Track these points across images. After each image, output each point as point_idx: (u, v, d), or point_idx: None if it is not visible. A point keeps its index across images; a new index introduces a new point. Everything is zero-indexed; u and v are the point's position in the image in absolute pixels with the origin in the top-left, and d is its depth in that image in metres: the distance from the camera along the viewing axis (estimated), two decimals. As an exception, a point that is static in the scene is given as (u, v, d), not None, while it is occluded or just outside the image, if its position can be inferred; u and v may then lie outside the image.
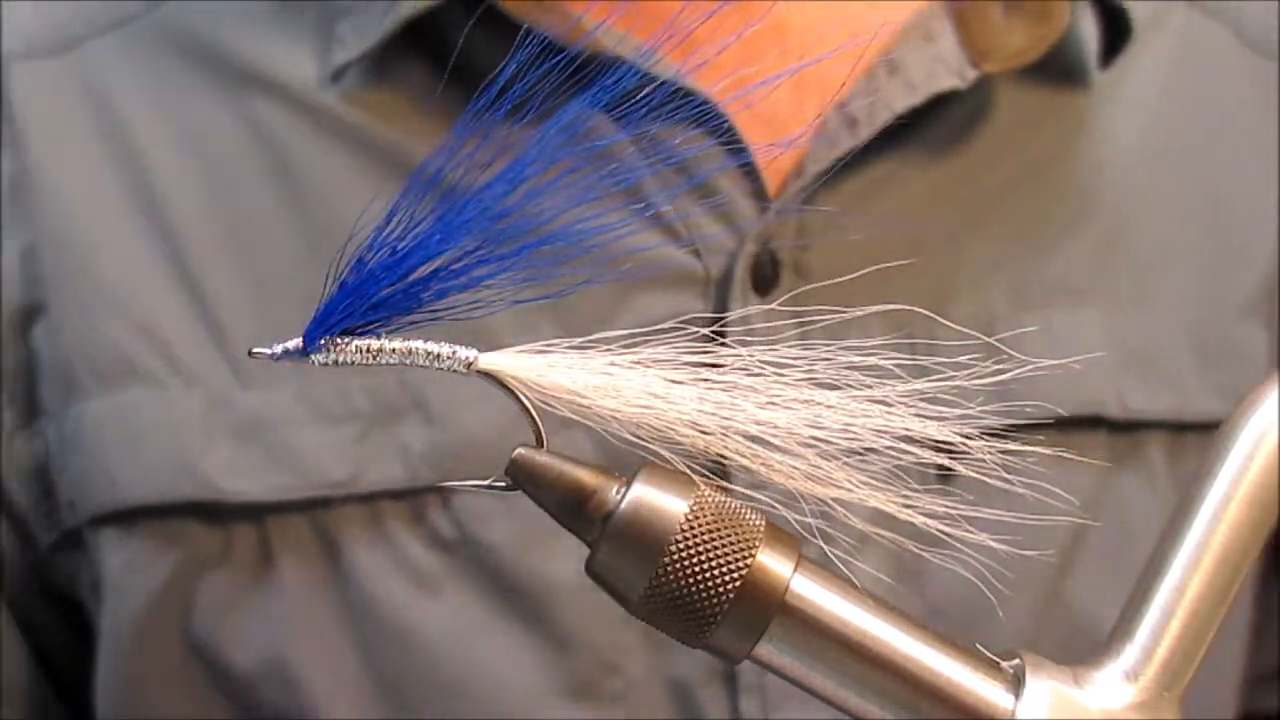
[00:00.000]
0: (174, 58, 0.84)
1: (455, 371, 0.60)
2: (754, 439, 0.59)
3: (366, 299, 0.58)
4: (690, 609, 0.58)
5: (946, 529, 0.58)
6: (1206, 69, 0.90)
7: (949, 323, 0.65)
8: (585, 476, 0.59)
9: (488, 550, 0.81)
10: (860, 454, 0.59)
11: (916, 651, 0.59)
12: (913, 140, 0.82)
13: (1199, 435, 0.87)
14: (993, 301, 0.83)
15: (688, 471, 0.59)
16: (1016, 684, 0.59)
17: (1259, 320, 0.90)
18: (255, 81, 0.83)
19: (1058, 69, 0.83)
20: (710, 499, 0.58)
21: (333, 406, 0.81)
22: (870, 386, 0.59)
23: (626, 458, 0.56)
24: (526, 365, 0.59)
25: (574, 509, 0.59)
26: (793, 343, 0.59)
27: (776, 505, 0.59)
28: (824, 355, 0.59)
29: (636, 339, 0.59)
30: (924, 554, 0.59)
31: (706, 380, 0.59)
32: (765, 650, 0.59)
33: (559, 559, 0.80)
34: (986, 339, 0.61)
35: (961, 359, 0.60)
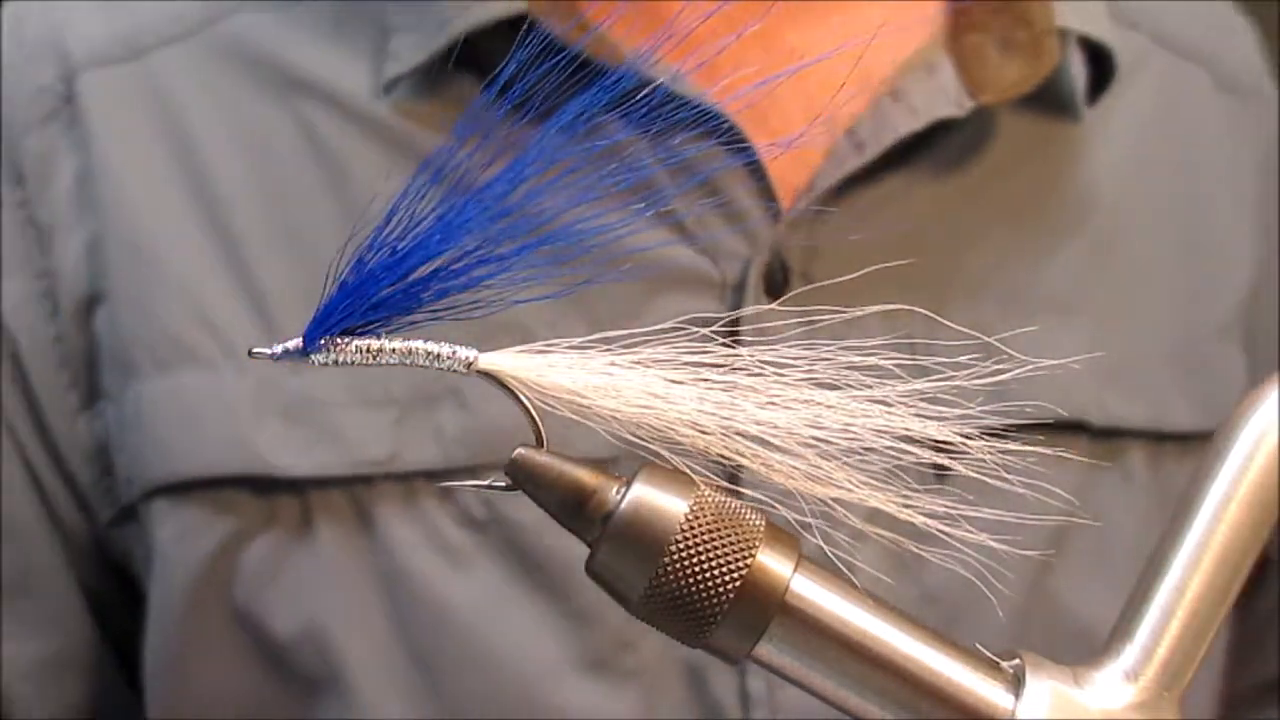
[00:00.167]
0: (235, 68, 0.89)
1: (455, 371, 0.60)
2: (754, 439, 0.59)
3: (366, 299, 0.59)
4: (690, 609, 0.58)
5: (947, 525, 0.59)
6: (1184, 108, 0.97)
7: (949, 323, 0.65)
8: (585, 476, 0.59)
9: (515, 529, 0.84)
10: (860, 454, 0.59)
11: (916, 651, 0.59)
12: (919, 162, 0.87)
13: (1177, 445, 0.92)
14: (985, 311, 0.86)
15: (688, 471, 0.59)
16: (1016, 684, 0.59)
17: (1235, 342, 0.95)
18: (311, 91, 0.88)
19: (1052, 102, 0.89)
20: (710, 499, 0.58)
21: (374, 392, 0.85)
22: (870, 386, 0.60)
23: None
24: (526, 365, 0.60)
25: (574, 509, 0.59)
26: (793, 343, 0.60)
27: (776, 505, 0.59)
28: (824, 355, 0.60)
29: (637, 339, 0.60)
30: (923, 553, 0.60)
31: (707, 380, 0.59)
32: (765, 650, 0.59)
33: None
34: (985, 339, 0.62)
35: (961, 359, 0.61)
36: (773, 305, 0.77)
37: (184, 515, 0.85)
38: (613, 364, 0.59)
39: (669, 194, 0.79)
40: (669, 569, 0.57)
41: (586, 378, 0.59)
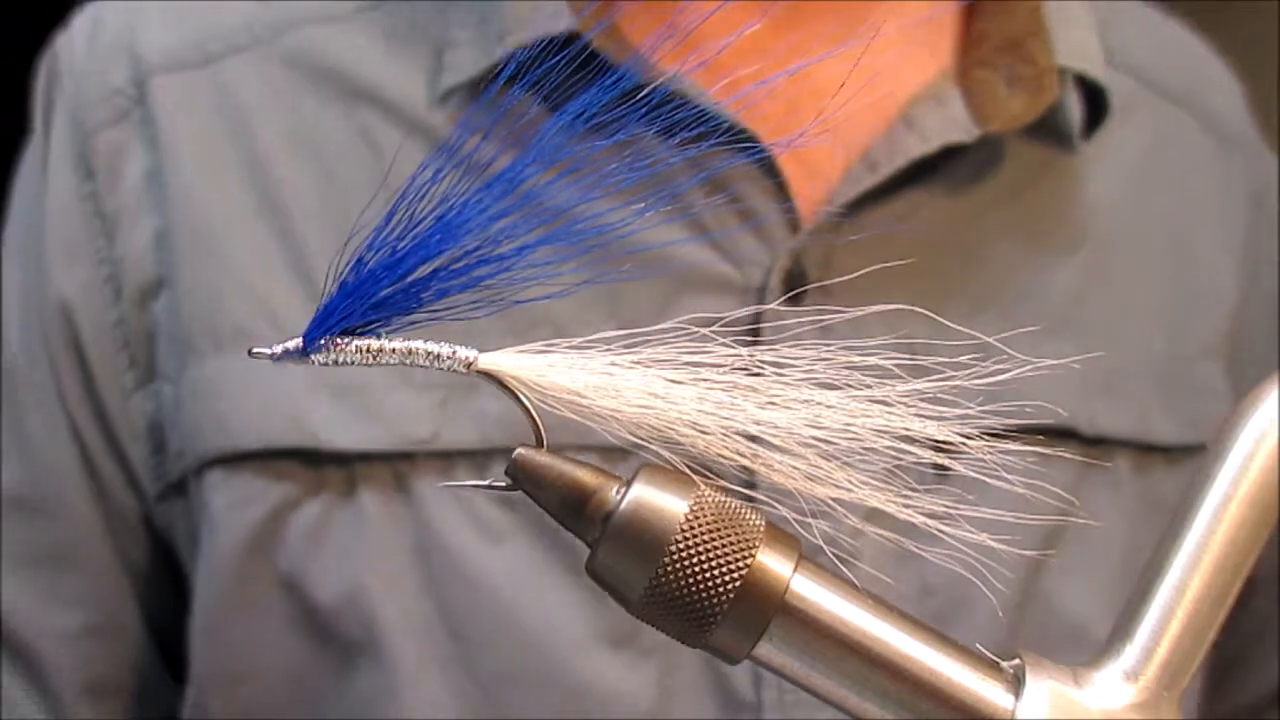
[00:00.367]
0: (298, 77, 0.94)
1: (455, 371, 0.60)
2: (754, 439, 0.59)
3: (366, 299, 0.59)
4: (690, 609, 0.58)
5: (943, 524, 0.60)
6: (1173, 149, 1.05)
7: (950, 324, 0.66)
8: (585, 476, 0.59)
9: None
10: (861, 454, 0.59)
11: (916, 651, 0.59)
12: (931, 184, 0.94)
13: (1162, 456, 0.97)
14: (986, 322, 0.88)
15: (688, 471, 0.59)
16: (1016, 684, 0.59)
17: (1219, 365, 1.02)
18: (370, 100, 0.93)
19: (1053, 133, 0.96)
20: (710, 499, 0.58)
21: (419, 375, 0.88)
22: (870, 386, 0.60)
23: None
24: (526, 365, 0.60)
25: (574, 509, 0.59)
26: (792, 343, 0.60)
27: (776, 505, 0.59)
28: (825, 356, 0.60)
29: (649, 338, 0.60)
30: (922, 552, 0.60)
31: (708, 380, 0.60)
32: (765, 650, 0.59)
33: None
34: (985, 339, 0.62)
35: (962, 359, 0.61)
36: (774, 305, 0.83)
37: (238, 484, 0.89)
38: (613, 364, 0.60)
39: (699, 203, 0.87)
40: (669, 569, 0.57)
41: (586, 378, 0.59)
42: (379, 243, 0.59)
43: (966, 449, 0.60)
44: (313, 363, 0.60)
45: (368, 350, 0.60)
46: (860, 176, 0.92)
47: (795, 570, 0.58)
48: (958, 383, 0.60)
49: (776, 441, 0.59)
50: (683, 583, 0.57)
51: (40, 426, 0.94)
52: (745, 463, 0.59)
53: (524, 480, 0.60)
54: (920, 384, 0.60)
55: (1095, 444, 0.94)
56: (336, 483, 0.89)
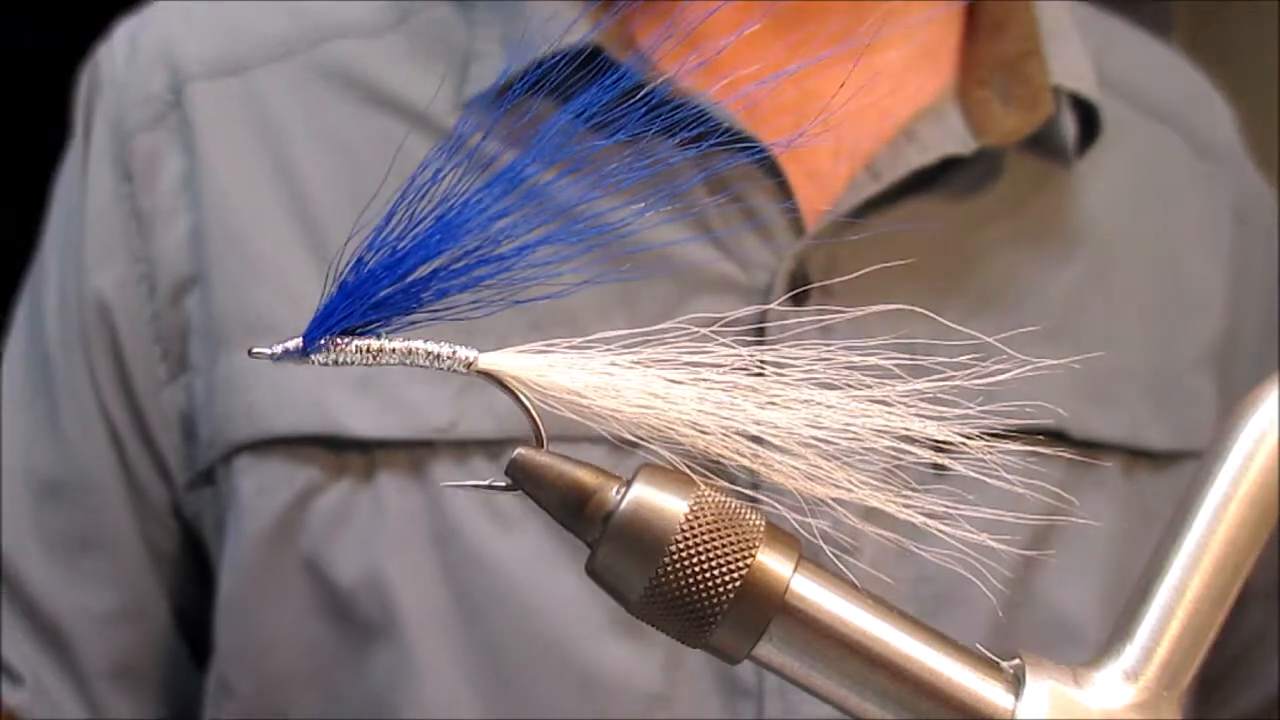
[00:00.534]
0: (328, 86, 0.98)
1: (455, 371, 0.60)
2: (754, 439, 0.59)
3: (366, 299, 0.59)
4: (690, 609, 0.58)
5: (942, 521, 0.60)
6: (1164, 169, 1.09)
7: (951, 324, 0.66)
8: (585, 476, 0.59)
9: None
10: (860, 453, 0.59)
11: (916, 651, 0.59)
12: (932, 193, 0.98)
13: (1151, 462, 1.01)
14: (981, 327, 0.90)
15: (688, 471, 0.59)
16: (1016, 684, 0.59)
17: (1207, 376, 1.05)
18: (396, 106, 0.96)
19: (1049, 148, 1.01)
20: (710, 499, 0.58)
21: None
22: (870, 386, 0.60)
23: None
24: (526, 365, 0.60)
25: (574, 509, 0.59)
26: (792, 343, 0.60)
27: (776, 505, 0.60)
28: (825, 356, 0.60)
29: (636, 339, 0.60)
30: (922, 551, 0.61)
31: (707, 380, 0.60)
32: (765, 650, 0.59)
33: None
34: (985, 339, 0.63)
35: (961, 359, 0.62)
36: (775, 305, 0.86)
37: (265, 469, 0.93)
38: (613, 364, 0.60)
39: (702, 202, 0.90)
40: (669, 569, 0.57)
41: (586, 378, 0.60)
42: (379, 243, 0.59)
43: (963, 448, 0.60)
44: (313, 363, 0.61)
45: (368, 350, 0.60)
46: (864, 184, 0.95)
47: (795, 570, 0.58)
48: (957, 383, 0.61)
49: (777, 441, 0.59)
50: (683, 583, 0.58)
51: (74, 416, 0.98)
52: (745, 463, 0.59)
53: (524, 480, 0.60)
54: (920, 384, 0.61)
55: (1086, 447, 0.97)
56: (358, 468, 0.92)
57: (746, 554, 0.58)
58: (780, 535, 0.59)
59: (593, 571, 0.59)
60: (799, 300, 0.91)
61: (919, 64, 1.00)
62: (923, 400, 0.60)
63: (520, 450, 0.59)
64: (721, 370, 0.60)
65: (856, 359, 0.61)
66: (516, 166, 0.60)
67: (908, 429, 0.60)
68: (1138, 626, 0.61)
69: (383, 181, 0.93)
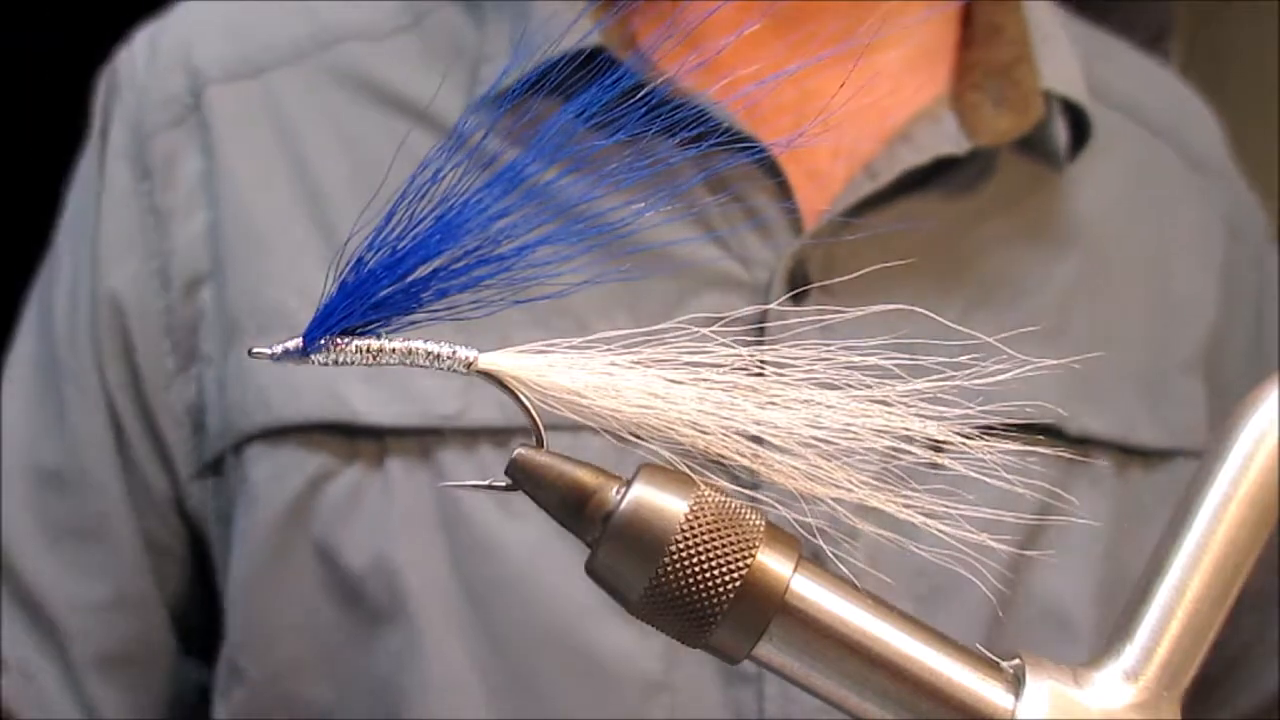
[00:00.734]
0: (340, 88, 1.00)
1: (455, 371, 0.61)
2: (754, 439, 0.59)
3: (367, 299, 0.59)
4: (690, 609, 0.58)
5: (939, 519, 0.61)
6: (1156, 177, 1.12)
7: (950, 324, 0.66)
8: (585, 476, 0.59)
9: None
10: (860, 452, 0.60)
11: (916, 651, 0.59)
12: (928, 192, 1.00)
13: (1142, 459, 1.02)
14: (978, 325, 0.92)
15: (688, 471, 0.59)
16: (1016, 684, 0.59)
17: (1198, 378, 1.07)
18: (407, 108, 0.98)
19: (1041, 150, 1.03)
20: (710, 499, 0.58)
21: None
22: (870, 386, 0.60)
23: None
24: (526, 365, 0.60)
25: (574, 509, 0.59)
26: (792, 343, 0.60)
27: (776, 505, 0.60)
28: (824, 355, 0.60)
29: (636, 339, 0.60)
30: (921, 551, 0.61)
31: (707, 380, 0.60)
32: (765, 650, 0.59)
33: None
34: (984, 339, 0.63)
35: (961, 359, 0.62)
36: (775, 305, 0.86)
37: (278, 456, 0.95)
38: (613, 364, 0.60)
39: (703, 201, 0.92)
40: (669, 569, 0.57)
41: (586, 378, 0.60)
42: (379, 242, 0.59)
43: (959, 446, 0.61)
44: (313, 362, 0.61)
45: (367, 350, 0.61)
46: (861, 184, 0.97)
47: (795, 570, 0.58)
48: (956, 382, 0.61)
49: (777, 441, 0.60)
50: (683, 583, 0.58)
51: (79, 410, 1.00)
52: (745, 463, 0.59)
53: (524, 480, 0.60)
54: (920, 384, 0.61)
55: (1079, 444, 0.98)
56: (369, 455, 0.93)
57: (746, 554, 0.58)
58: (780, 535, 0.59)
59: (593, 571, 0.59)
60: (798, 299, 0.92)
61: (917, 66, 1.02)
62: (921, 399, 0.61)
63: (520, 450, 0.60)
64: (722, 370, 0.60)
65: (856, 359, 0.61)
66: (517, 166, 0.60)
67: (908, 429, 0.60)
68: (1138, 626, 0.61)
69: (389, 181, 0.95)
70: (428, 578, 0.92)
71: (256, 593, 0.96)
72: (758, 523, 0.59)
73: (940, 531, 0.60)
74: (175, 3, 1.06)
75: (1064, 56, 1.04)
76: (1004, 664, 0.60)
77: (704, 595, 0.57)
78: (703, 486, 0.59)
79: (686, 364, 0.60)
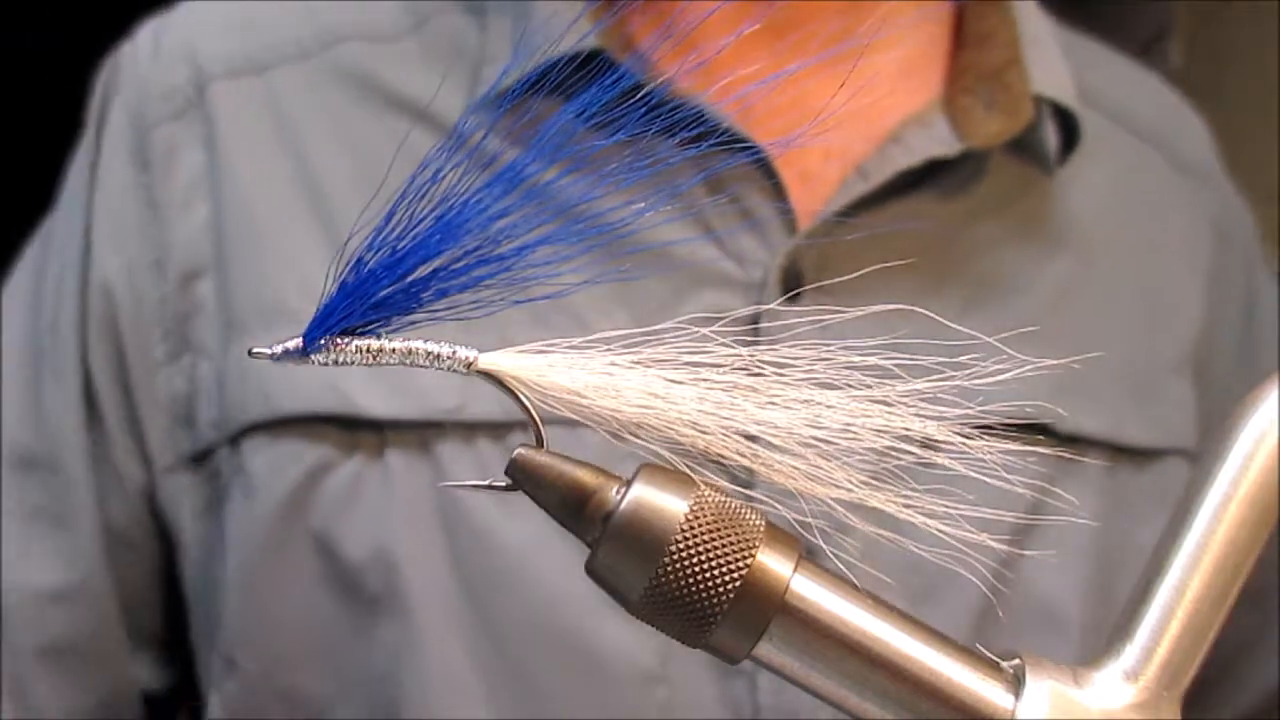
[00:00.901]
0: (342, 87, 1.01)
1: (455, 371, 0.61)
2: (754, 439, 0.59)
3: (366, 299, 0.59)
4: (690, 609, 0.58)
5: (934, 517, 0.61)
6: (1144, 182, 1.13)
7: (950, 324, 0.66)
8: (585, 476, 0.59)
9: None
10: (860, 452, 0.60)
11: (916, 651, 0.59)
12: (920, 193, 1.01)
13: (1131, 457, 1.04)
14: (971, 324, 0.93)
15: (688, 471, 0.59)
16: (1016, 684, 0.59)
17: (1186, 378, 1.09)
18: (409, 108, 0.99)
19: (1033, 154, 1.04)
20: (710, 499, 0.58)
21: None
22: (870, 386, 0.61)
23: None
24: (526, 365, 0.60)
25: (574, 509, 0.59)
26: (791, 343, 0.60)
27: (776, 505, 0.60)
28: (824, 355, 0.60)
29: (636, 339, 0.60)
30: (919, 550, 0.61)
31: (706, 380, 0.60)
32: (765, 650, 0.59)
33: None
34: (984, 338, 0.63)
35: (960, 359, 0.62)
36: (774, 305, 0.86)
37: (279, 446, 0.95)
38: (613, 364, 0.60)
39: (699, 201, 0.93)
40: (669, 569, 0.57)
41: (586, 378, 0.60)
42: (379, 242, 0.59)
43: (954, 444, 0.61)
44: (313, 362, 0.61)
45: (367, 350, 0.61)
46: (854, 185, 0.98)
47: (795, 570, 0.58)
48: (953, 382, 0.61)
49: (776, 441, 0.60)
50: (683, 583, 0.58)
51: (55, 394, 1.00)
52: (745, 462, 0.59)
53: (524, 480, 0.60)
54: (919, 384, 0.61)
55: (1070, 442, 0.99)
56: (368, 446, 0.94)
57: (746, 554, 0.58)
58: (780, 535, 0.59)
59: (593, 571, 0.59)
60: (793, 300, 0.93)
61: (911, 70, 1.03)
62: (919, 398, 0.61)
63: (520, 450, 0.60)
64: (721, 370, 0.60)
65: (855, 358, 0.61)
66: (517, 166, 0.60)
67: (907, 428, 0.60)
68: (1138, 626, 0.61)
69: (390, 181, 0.96)
70: (426, 570, 0.92)
71: (253, 584, 0.96)
72: (758, 523, 0.59)
73: (932, 527, 0.61)
74: (175, 3, 1.06)
75: (1053, 61, 1.05)
76: (1004, 664, 0.60)
77: (704, 595, 0.57)
78: (703, 486, 0.59)
79: (686, 364, 0.60)
